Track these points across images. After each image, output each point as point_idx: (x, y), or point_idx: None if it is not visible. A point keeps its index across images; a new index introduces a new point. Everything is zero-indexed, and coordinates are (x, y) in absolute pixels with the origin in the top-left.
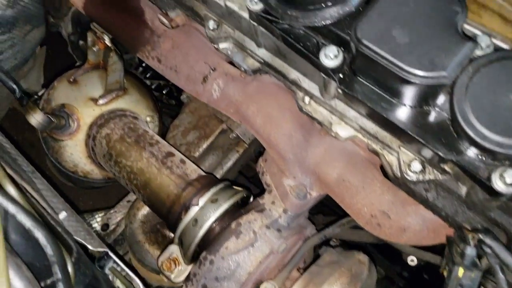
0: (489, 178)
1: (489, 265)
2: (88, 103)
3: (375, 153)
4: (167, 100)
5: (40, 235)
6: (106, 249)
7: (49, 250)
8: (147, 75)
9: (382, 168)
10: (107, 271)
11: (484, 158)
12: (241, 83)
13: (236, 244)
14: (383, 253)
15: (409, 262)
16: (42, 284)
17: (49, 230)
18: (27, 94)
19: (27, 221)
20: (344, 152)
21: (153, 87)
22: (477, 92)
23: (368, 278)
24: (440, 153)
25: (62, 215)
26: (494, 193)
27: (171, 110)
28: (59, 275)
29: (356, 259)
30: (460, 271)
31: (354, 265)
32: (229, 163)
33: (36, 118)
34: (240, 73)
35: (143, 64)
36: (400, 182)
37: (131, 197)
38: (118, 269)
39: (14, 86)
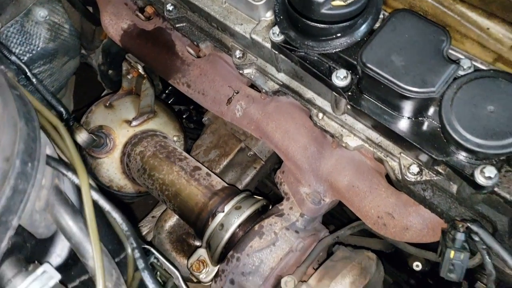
0: (472, 174)
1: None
2: (123, 125)
3: (380, 160)
4: (187, 124)
5: (117, 215)
6: (148, 246)
7: (124, 226)
8: (170, 101)
9: (387, 176)
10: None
11: (468, 158)
12: (261, 103)
13: (259, 243)
14: (390, 262)
15: (414, 268)
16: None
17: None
18: (74, 117)
19: (106, 205)
20: (352, 162)
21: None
22: (460, 104)
23: (376, 273)
24: (433, 156)
25: None
26: (477, 187)
27: (190, 133)
28: (135, 244)
29: (365, 255)
30: (452, 253)
31: (364, 260)
32: (248, 179)
33: (81, 137)
34: (260, 95)
35: (166, 91)
36: (401, 185)
37: (156, 213)
38: (158, 263)
39: (62, 109)
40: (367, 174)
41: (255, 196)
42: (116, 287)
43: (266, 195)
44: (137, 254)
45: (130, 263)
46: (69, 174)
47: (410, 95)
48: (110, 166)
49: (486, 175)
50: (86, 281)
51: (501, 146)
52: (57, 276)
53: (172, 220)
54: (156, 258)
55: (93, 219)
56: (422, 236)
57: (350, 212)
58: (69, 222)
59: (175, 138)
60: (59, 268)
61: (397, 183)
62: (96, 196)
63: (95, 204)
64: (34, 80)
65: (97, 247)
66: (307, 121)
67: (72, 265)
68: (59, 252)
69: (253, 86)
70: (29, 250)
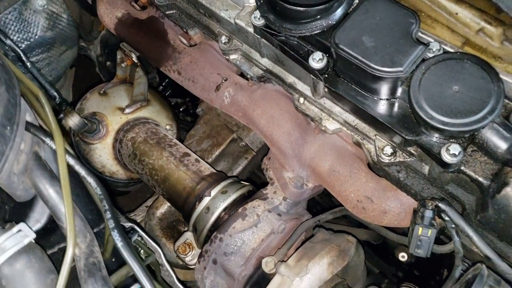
0: (439, 153)
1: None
2: (116, 112)
3: (358, 144)
4: (184, 117)
5: (92, 180)
6: (133, 224)
7: (98, 190)
8: (166, 94)
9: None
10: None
11: (436, 137)
12: (249, 90)
13: (242, 224)
14: (377, 253)
15: (400, 258)
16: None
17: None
18: (66, 101)
19: (81, 170)
20: (334, 148)
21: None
22: (428, 84)
23: (355, 256)
24: (403, 135)
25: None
26: (444, 165)
27: (187, 126)
28: (107, 206)
29: (345, 238)
30: (420, 230)
31: (343, 243)
32: (239, 169)
33: (73, 121)
34: (248, 82)
35: (163, 84)
36: (377, 167)
37: (149, 203)
38: (142, 242)
39: (55, 93)
40: (348, 160)
41: (242, 182)
42: (89, 248)
43: (256, 185)
44: (108, 215)
45: (107, 229)
46: (47, 140)
47: (379, 75)
48: (103, 152)
49: (451, 152)
50: (65, 248)
51: (465, 124)
52: (32, 235)
53: (163, 207)
54: (140, 236)
55: (66, 178)
56: (400, 220)
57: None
58: (46, 186)
59: (167, 127)
60: (37, 233)
61: (373, 166)
62: (72, 161)
63: (76, 175)
64: (28, 63)
65: (69, 205)
66: (292, 108)
67: (51, 232)
68: (38, 217)
69: (242, 75)
70: (7, 212)
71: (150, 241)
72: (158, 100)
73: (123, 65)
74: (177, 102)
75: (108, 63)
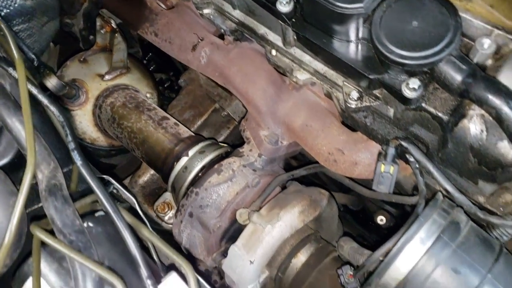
0: (400, 89)
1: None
2: (95, 79)
3: (329, 96)
4: (169, 94)
5: (54, 109)
6: (108, 177)
7: (61, 118)
8: (150, 69)
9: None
10: None
11: (398, 75)
12: (225, 50)
13: (217, 179)
14: (357, 219)
15: (379, 222)
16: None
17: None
18: (44, 64)
19: (44, 99)
20: (307, 103)
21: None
22: (389, 21)
23: (327, 208)
24: (366, 74)
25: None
26: (405, 100)
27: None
28: (71, 138)
29: (317, 190)
30: (382, 167)
31: (314, 194)
32: (221, 138)
33: (51, 83)
34: (224, 41)
35: (146, 58)
36: (346, 115)
37: None
38: (119, 194)
39: (33, 56)
40: (320, 115)
41: (220, 144)
42: (52, 173)
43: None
44: (72, 145)
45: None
46: (10, 69)
47: (340, 11)
48: (83, 118)
49: (410, 86)
50: (33, 185)
51: (423, 57)
52: None
53: (146, 175)
54: (115, 188)
55: (27, 102)
56: (371, 171)
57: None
58: (10, 115)
59: (148, 95)
60: (3, 168)
61: (343, 115)
62: (35, 90)
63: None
64: (2, 24)
65: (29, 127)
66: (267, 65)
67: (19, 168)
68: (3, 152)
69: (220, 37)
70: None
71: (125, 192)
72: (139, 68)
73: (102, 31)
74: (161, 79)
75: (91, 37)
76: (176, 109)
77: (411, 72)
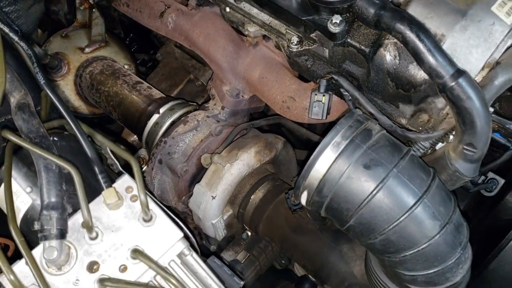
0: (327, 25)
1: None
2: (76, 52)
3: (278, 47)
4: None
5: (23, 44)
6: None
7: (29, 51)
8: (132, 50)
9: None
10: None
11: (326, 15)
12: (189, 15)
13: (183, 128)
14: None
15: None
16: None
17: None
18: (27, 35)
19: (14, 37)
20: (263, 58)
21: (138, 62)
22: None
23: (283, 151)
24: (300, 16)
25: None
26: (331, 35)
27: None
28: (35, 62)
29: (273, 136)
30: (315, 97)
31: (270, 138)
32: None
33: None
34: (188, 7)
35: (128, 39)
36: (292, 61)
37: None
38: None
39: (16, 28)
40: (275, 67)
41: (189, 102)
42: (22, 97)
43: None
44: (36, 69)
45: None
46: None
47: None
48: (65, 88)
49: (333, 22)
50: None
51: None
52: None
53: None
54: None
55: None
56: None
57: None
58: None
59: (126, 67)
60: None
61: (289, 62)
62: (6, 29)
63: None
64: None
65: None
66: (227, 26)
67: None
68: None
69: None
70: None
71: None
72: (117, 42)
73: (81, 8)
74: (144, 59)
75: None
76: (154, 81)
77: (336, 10)
